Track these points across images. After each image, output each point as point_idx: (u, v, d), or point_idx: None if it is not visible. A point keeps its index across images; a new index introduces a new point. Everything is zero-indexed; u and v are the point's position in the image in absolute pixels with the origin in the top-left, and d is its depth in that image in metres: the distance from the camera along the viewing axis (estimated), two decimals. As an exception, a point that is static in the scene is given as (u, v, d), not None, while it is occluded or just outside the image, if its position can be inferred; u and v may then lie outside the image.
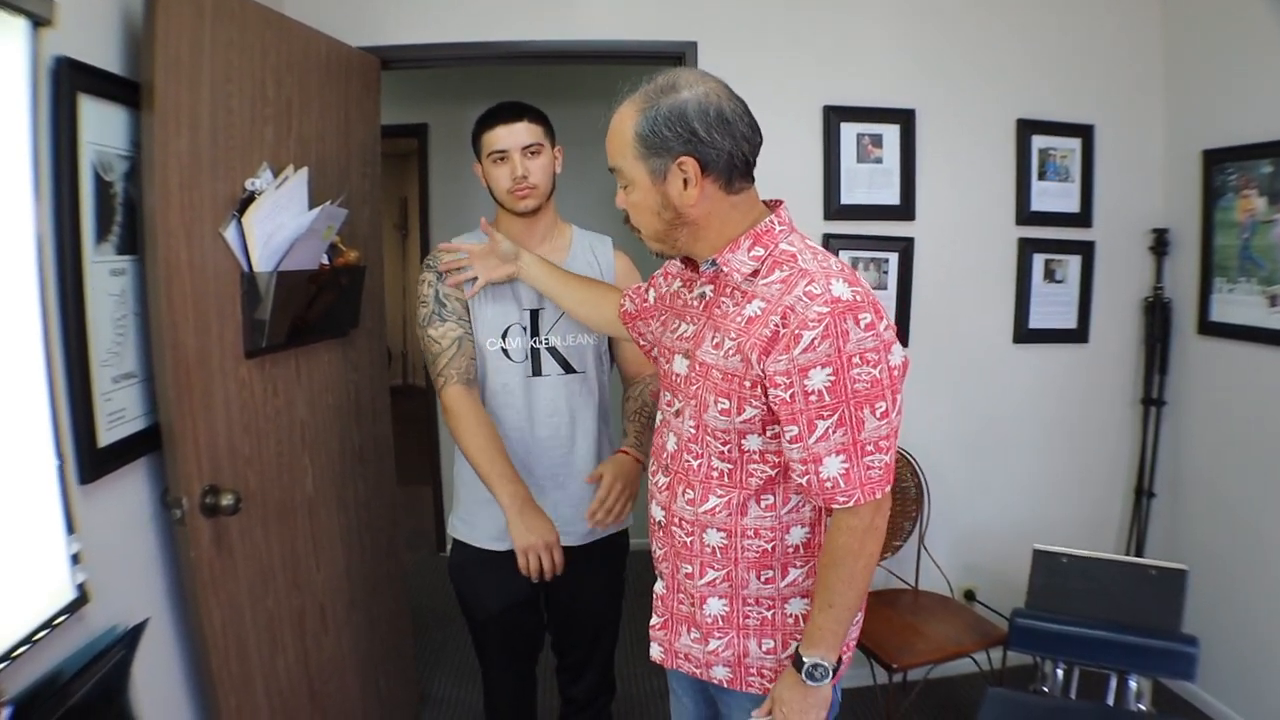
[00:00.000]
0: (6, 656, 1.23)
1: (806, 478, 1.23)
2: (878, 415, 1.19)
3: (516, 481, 1.78)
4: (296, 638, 2.02)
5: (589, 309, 1.78)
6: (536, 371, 1.91)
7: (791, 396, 1.19)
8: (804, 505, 1.35)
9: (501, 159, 1.85)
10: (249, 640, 1.85)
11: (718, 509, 1.34)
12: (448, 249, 1.91)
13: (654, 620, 1.51)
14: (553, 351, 1.92)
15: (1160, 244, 2.82)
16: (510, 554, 1.93)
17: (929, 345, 2.81)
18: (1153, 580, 2.19)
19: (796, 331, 1.17)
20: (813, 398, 1.18)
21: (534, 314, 1.91)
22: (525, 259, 1.82)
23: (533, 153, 1.86)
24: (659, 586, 1.50)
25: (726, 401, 1.27)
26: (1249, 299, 2.51)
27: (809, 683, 1.29)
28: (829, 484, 1.21)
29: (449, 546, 2.05)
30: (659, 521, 1.45)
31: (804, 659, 1.29)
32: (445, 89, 3.81)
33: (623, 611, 2.15)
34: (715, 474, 1.33)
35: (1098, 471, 2.98)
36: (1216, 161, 2.60)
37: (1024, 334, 2.88)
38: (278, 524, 1.96)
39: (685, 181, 1.25)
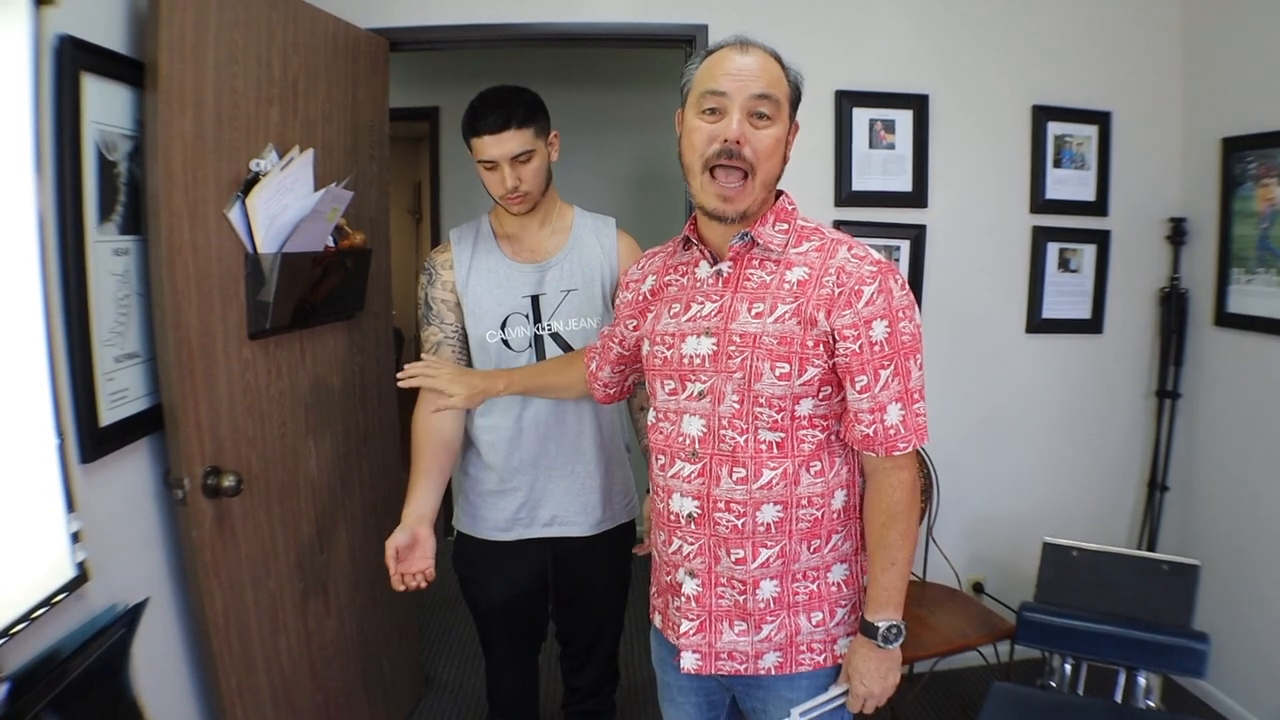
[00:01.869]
0: (5, 633, 1.24)
1: (874, 427, 1.28)
2: (918, 366, 1.30)
3: (411, 503, 1.74)
4: (299, 619, 2.03)
5: (563, 377, 1.76)
6: (540, 358, 1.89)
7: (860, 348, 1.26)
8: (843, 468, 1.37)
9: (491, 167, 1.79)
10: (250, 621, 1.85)
11: (774, 481, 1.32)
12: (421, 369, 1.70)
13: (685, 627, 1.40)
14: (555, 337, 1.89)
15: (1177, 233, 2.77)
16: (515, 544, 1.93)
17: (940, 334, 2.78)
18: (1164, 575, 2.16)
19: (856, 288, 1.26)
20: (876, 348, 1.26)
21: (534, 300, 1.88)
22: (500, 381, 1.70)
23: (523, 160, 1.78)
24: (690, 588, 1.39)
25: (786, 365, 1.28)
26: (1267, 290, 2.46)
27: (884, 646, 1.32)
28: (892, 430, 1.28)
29: (454, 536, 2.04)
30: (689, 515, 1.36)
31: (876, 624, 1.32)
32: (458, 71, 3.79)
33: (628, 600, 2.14)
34: (764, 446, 1.31)
35: (1110, 464, 2.94)
36: (1236, 149, 2.55)
37: (1037, 324, 2.84)
38: (280, 505, 1.97)
39: (790, 141, 1.35)
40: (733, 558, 1.35)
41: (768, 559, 1.34)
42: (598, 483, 1.94)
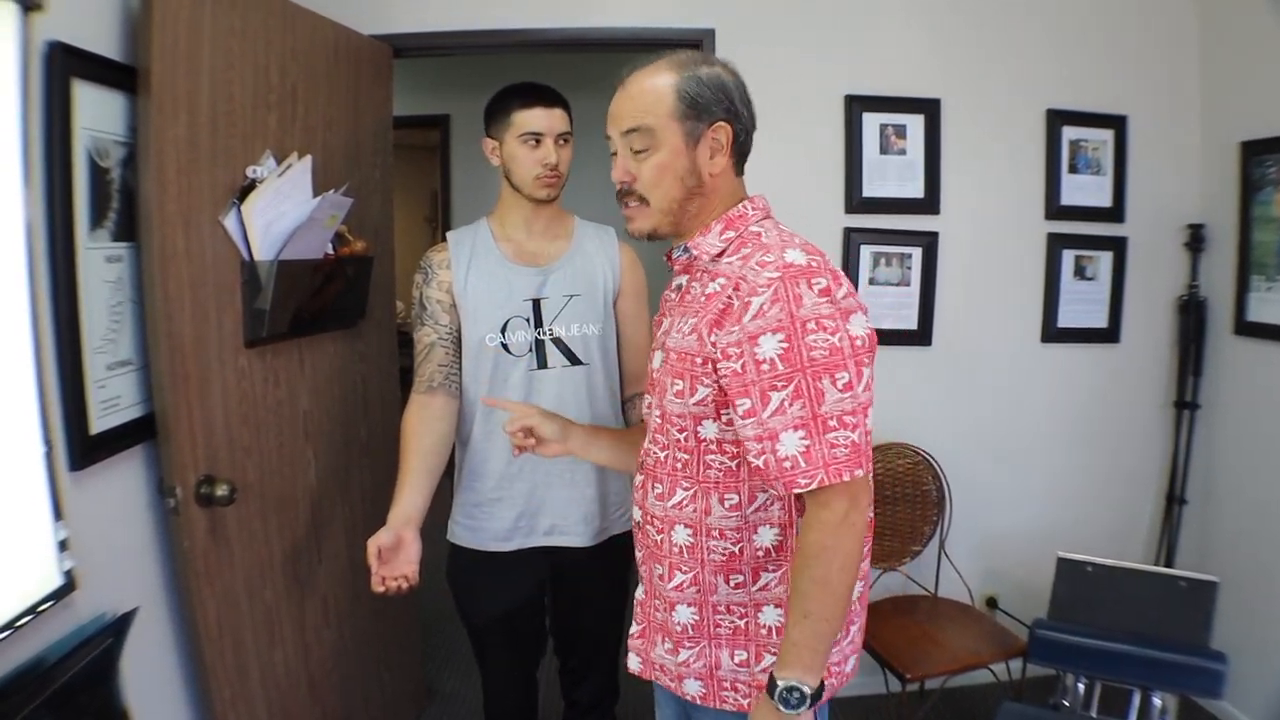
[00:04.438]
0: (-13, 641, 1.23)
1: (763, 458, 1.14)
2: (839, 387, 1.11)
3: (398, 504, 1.70)
4: (296, 630, 2.01)
5: (626, 442, 1.60)
6: (542, 364, 1.85)
7: (743, 367, 1.14)
8: (772, 504, 1.25)
9: (535, 142, 1.80)
10: (245, 632, 1.84)
11: (684, 503, 1.28)
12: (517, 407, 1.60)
13: (633, 628, 1.44)
14: (558, 343, 1.86)
15: (1195, 240, 2.71)
16: (515, 554, 1.90)
17: (953, 344, 2.73)
18: (1181, 592, 2.10)
19: (746, 299, 1.15)
20: (765, 367, 1.12)
21: (536, 304, 1.85)
22: (575, 438, 1.55)
23: (564, 142, 1.84)
24: (639, 592, 1.44)
25: (680, 383, 1.25)
26: (1289, 298, 2.40)
27: (783, 709, 1.14)
28: (787, 463, 1.12)
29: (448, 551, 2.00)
30: (637, 522, 1.41)
31: (777, 681, 1.15)
32: (467, 79, 3.79)
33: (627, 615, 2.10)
34: (679, 465, 1.28)
35: (1127, 477, 2.87)
36: (1255, 154, 2.49)
37: (1052, 333, 2.78)
38: (277, 515, 1.95)
39: (713, 150, 1.27)
40: (656, 573, 1.36)
41: (682, 583, 1.30)
42: (595, 491, 1.90)
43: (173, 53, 1.62)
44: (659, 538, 1.33)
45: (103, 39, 1.59)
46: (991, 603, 2.86)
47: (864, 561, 1.32)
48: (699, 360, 1.21)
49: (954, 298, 2.72)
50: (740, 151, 1.32)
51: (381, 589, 1.67)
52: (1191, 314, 2.72)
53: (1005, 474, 2.83)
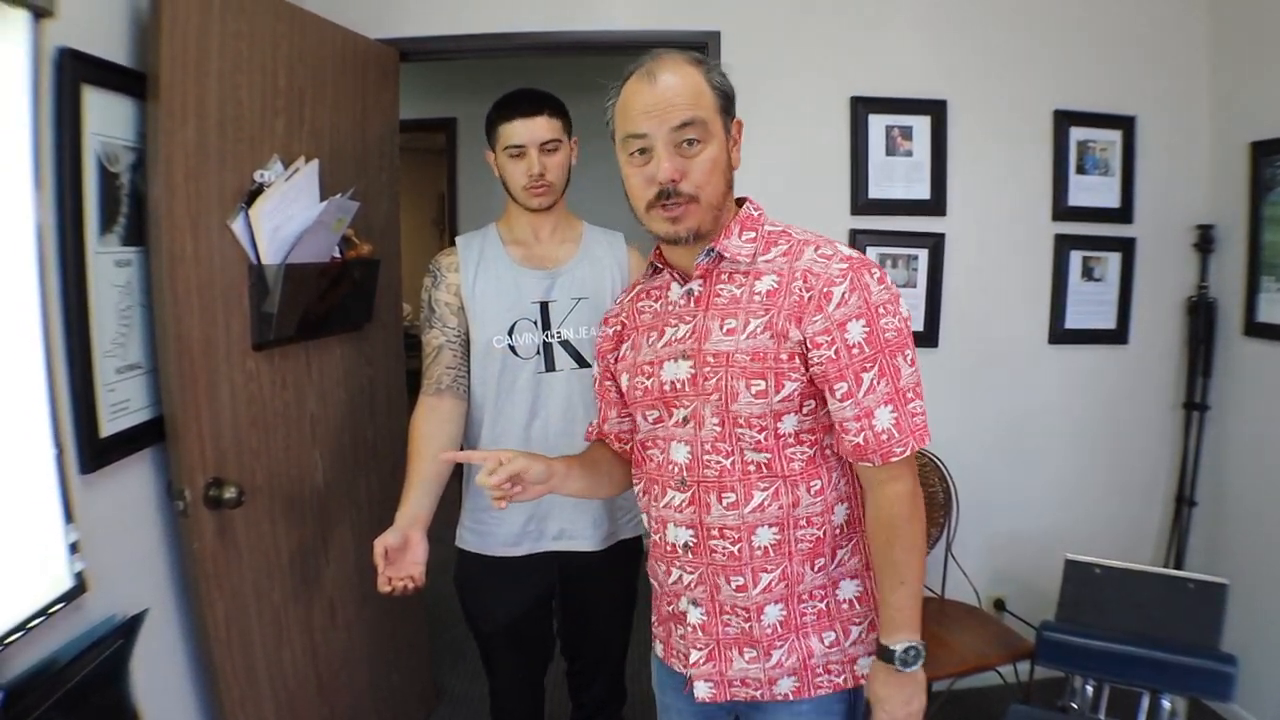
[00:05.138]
0: (0, 642, 1.24)
1: (862, 435, 1.21)
2: (908, 362, 1.22)
3: (406, 505, 1.70)
4: (304, 631, 2.02)
5: (597, 468, 1.52)
6: (550, 367, 1.85)
7: (836, 353, 1.20)
8: (841, 481, 1.31)
9: (518, 154, 1.80)
10: (253, 633, 1.85)
11: (765, 504, 1.26)
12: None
13: (694, 656, 1.35)
14: (566, 345, 1.86)
15: (1205, 241, 2.69)
16: (524, 559, 1.90)
17: (960, 345, 2.72)
18: (1191, 594, 2.09)
19: (825, 290, 1.20)
20: (855, 351, 1.19)
21: (544, 306, 1.86)
22: (556, 475, 1.40)
23: (550, 149, 1.81)
24: (695, 616, 1.34)
25: (762, 382, 1.22)
26: (1299, 299, 2.39)
27: (903, 670, 1.24)
28: (884, 436, 1.21)
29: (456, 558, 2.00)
30: (685, 544, 1.31)
31: (892, 647, 1.24)
32: (474, 83, 3.80)
33: (634, 618, 2.10)
34: (753, 468, 1.26)
35: (1136, 478, 2.86)
36: (1265, 154, 2.47)
37: (1060, 334, 2.77)
38: (285, 517, 1.96)
39: (734, 145, 1.29)
40: (733, 585, 1.30)
41: (769, 583, 1.28)
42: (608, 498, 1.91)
43: (181, 58, 1.63)
44: (734, 548, 1.28)
45: (112, 45, 1.61)
46: (999, 604, 2.85)
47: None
48: (784, 356, 1.22)
49: (961, 299, 2.72)
50: None
51: (388, 589, 1.67)
52: (1201, 315, 2.70)
53: (1013, 475, 2.82)
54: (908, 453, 1.22)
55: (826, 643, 1.32)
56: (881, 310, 1.20)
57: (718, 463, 1.27)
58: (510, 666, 2.03)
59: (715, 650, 1.34)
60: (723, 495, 1.28)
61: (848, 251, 1.25)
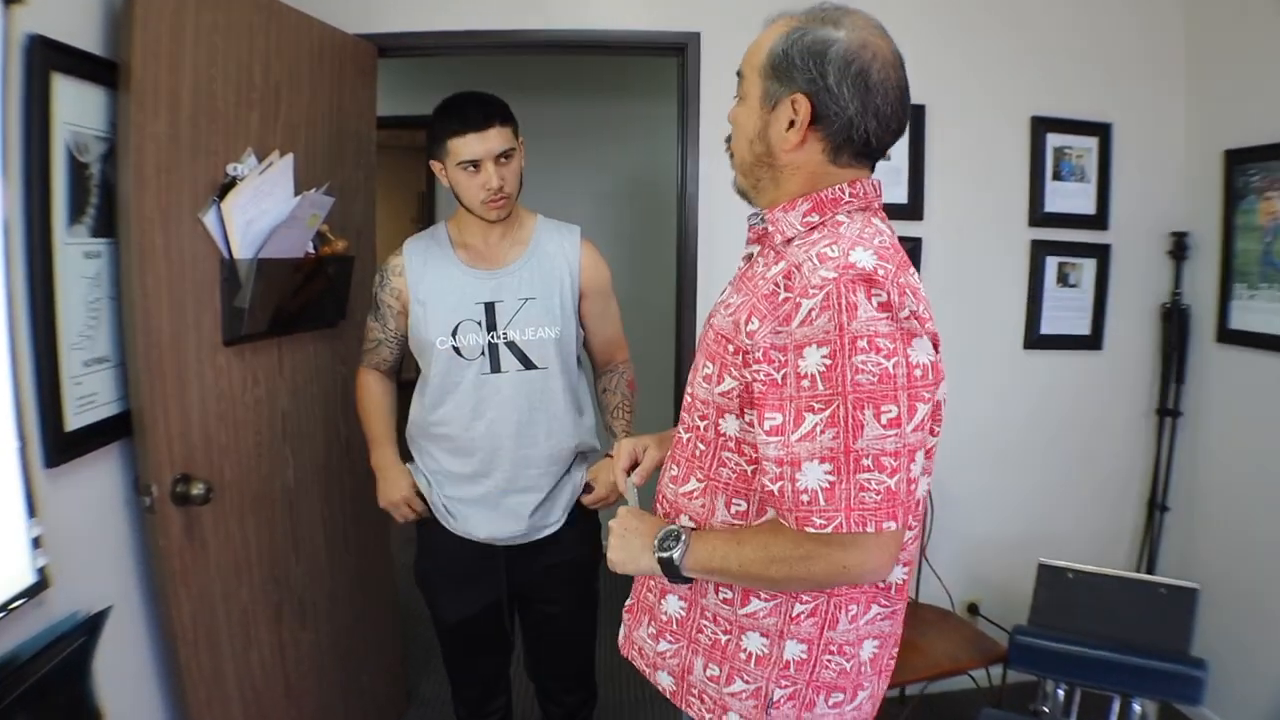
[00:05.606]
0: (-44, 639, 1.21)
1: (779, 484, 1.00)
2: (883, 421, 0.96)
3: (383, 445, 1.97)
4: (273, 631, 1.99)
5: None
6: (495, 368, 1.83)
7: (783, 378, 0.99)
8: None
9: (473, 168, 1.76)
10: (221, 632, 1.82)
11: (694, 494, 1.19)
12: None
13: (628, 600, 1.38)
14: (512, 346, 1.84)
15: (1179, 248, 2.72)
16: (486, 549, 1.91)
17: (936, 349, 2.73)
18: (1162, 599, 2.10)
19: (796, 299, 0.99)
20: (805, 383, 0.97)
21: (489, 307, 1.83)
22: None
23: (505, 160, 1.77)
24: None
25: (711, 366, 1.13)
26: (1271, 306, 2.41)
27: (658, 552, 1.15)
28: (804, 497, 0.98)
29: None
30: (655, 495, 1.33)
31: (676, 531, 1.15)
32: (454, 80, 3.77)
33: (598, 616, 2.10)
34: (696, 454, 1.18)
35: (1110, 483, 2.88)
36: (1239, 162, 2.50)
37: (1035, 340, 2.79)
38: (255, 515, 1.93)
39: (791, 122, 1.10)
40: None
41: None
42: (557, 496, 1.93)
43: (155, 48, 1.61)
44: (665, 521, 1.25)
45: (84, 33, 1.58)
46: (973, 609, 2.86)
47: (892, 624, 1.22)
48: (731, 348, 1.08)
49: (936, 304, 2.64)
50: (846, 139, 1.09)
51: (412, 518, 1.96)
52: (1174, 321, 2.73)
53: (987, 480, 2.83)
54: (829, 529, 0.98)
55: (708, 674, 1.22)
56: (862, 344, 0.95)
57: (680, 434, 1.25)
58: (470, 661, 2.06)
59: (635, 606, 1.36)
60: (672, 465, 1.26)
61: (862, 260, 0.99)
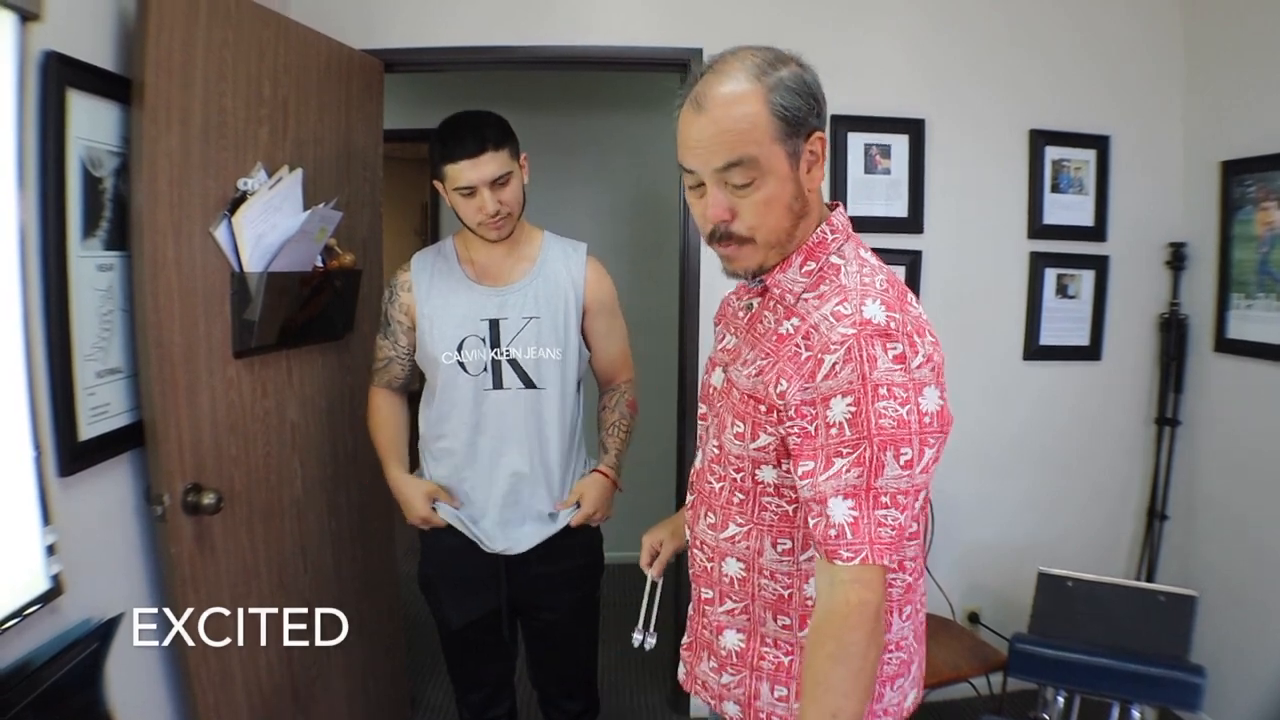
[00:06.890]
0: (-27, 644, 1.24)
1: (815, 520, 1.06)
2: (901, 463, 1.03)
3: (396, 466, 1.97)
4: (280, 638, 2.01)
5: None
6: (497, 384, 1.85)
7: (815, 430, 1.06)
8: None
9: (469, 194, 1.77)
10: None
11: (738, 538, 1.24)
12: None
13: (685, 639, 1.42)
14: (514, 364, 1.86)
15: (1177, 258, 2.75)
16: (486, 557, 1.92)
17: (937, 359, 2.75)
18: (1161, 606, 2.12)
19: (819, 356, 1.06)
20: (834, 431, 1.04)
21: (494, 324, 1.86)
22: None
23: (502, 183, 1.77)
24: (691, 606, 1.40)
25: (742, 425, 1.17)
26: (1268, 315, 2.44)
27: None
28: (833, 531, 1.04)
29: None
30: (688, 539, 1.38)
31: None
32: (460, 94, 3.82)
33: (600, 626, 2.11)
34: (735, 501, 1.23)
35: (1109, 492, 2.90)
36: (1235, 173, 2.53)
37: (1035, 351, 2.81)
38: (264, 524, 1.96)
39: (810, 164, 1.12)
40: (704, 596, 1.33)
41: (732, 609, 1.28)
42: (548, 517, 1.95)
43: (167, 65, 1.64)
44: (708, 564, 1.30)
45: (98, 50, 1.61)
46: (974, 617, 2.87)
47: (918, 593, 1.29)
48: (763, 408, 1.13)
49: (937, 316, 2.66)
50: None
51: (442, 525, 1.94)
52: (1172, 331, 2.75)
53: (987, 490, 2.85)
54: (856, 561, 1.03)
55: (776, 695, 1.25)
56: (883, 391, 1.02)
57: (711, 483, 1.28)
58: (474, 669, 2.08)
59: (694, 644, 1.38)
60: (708, 513, 1.29)
61: (875, 316, 1.05)
